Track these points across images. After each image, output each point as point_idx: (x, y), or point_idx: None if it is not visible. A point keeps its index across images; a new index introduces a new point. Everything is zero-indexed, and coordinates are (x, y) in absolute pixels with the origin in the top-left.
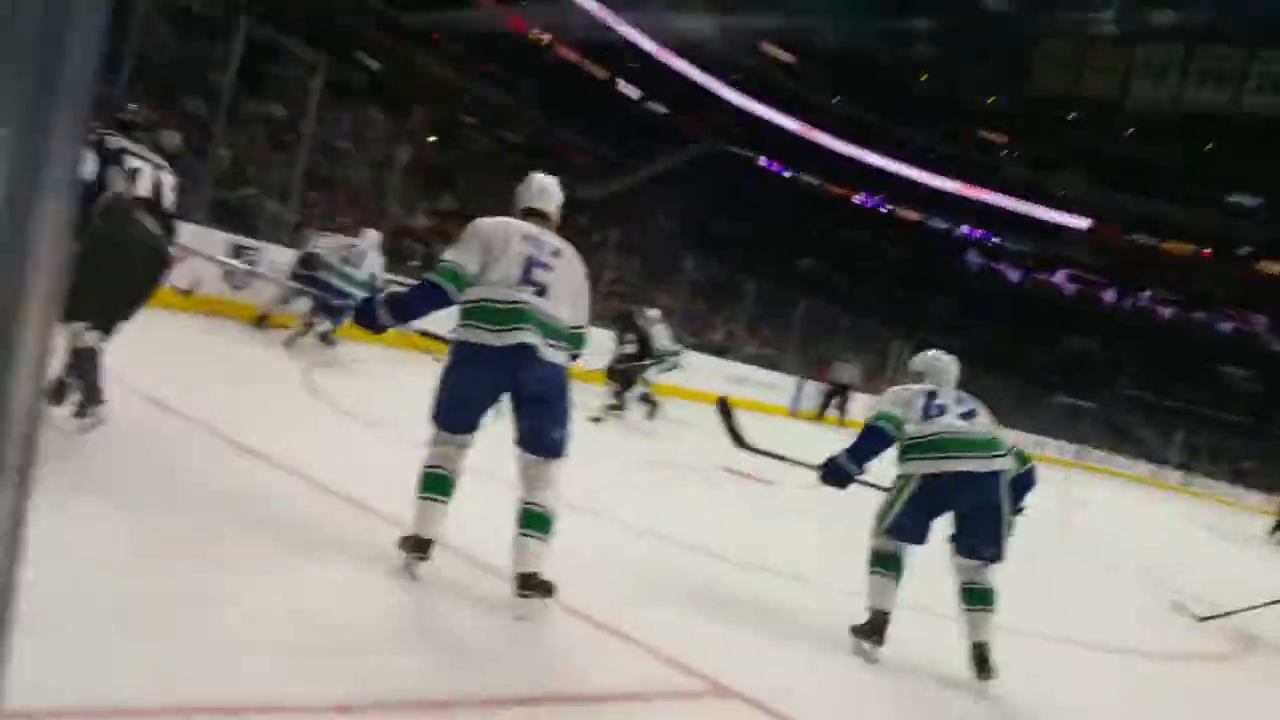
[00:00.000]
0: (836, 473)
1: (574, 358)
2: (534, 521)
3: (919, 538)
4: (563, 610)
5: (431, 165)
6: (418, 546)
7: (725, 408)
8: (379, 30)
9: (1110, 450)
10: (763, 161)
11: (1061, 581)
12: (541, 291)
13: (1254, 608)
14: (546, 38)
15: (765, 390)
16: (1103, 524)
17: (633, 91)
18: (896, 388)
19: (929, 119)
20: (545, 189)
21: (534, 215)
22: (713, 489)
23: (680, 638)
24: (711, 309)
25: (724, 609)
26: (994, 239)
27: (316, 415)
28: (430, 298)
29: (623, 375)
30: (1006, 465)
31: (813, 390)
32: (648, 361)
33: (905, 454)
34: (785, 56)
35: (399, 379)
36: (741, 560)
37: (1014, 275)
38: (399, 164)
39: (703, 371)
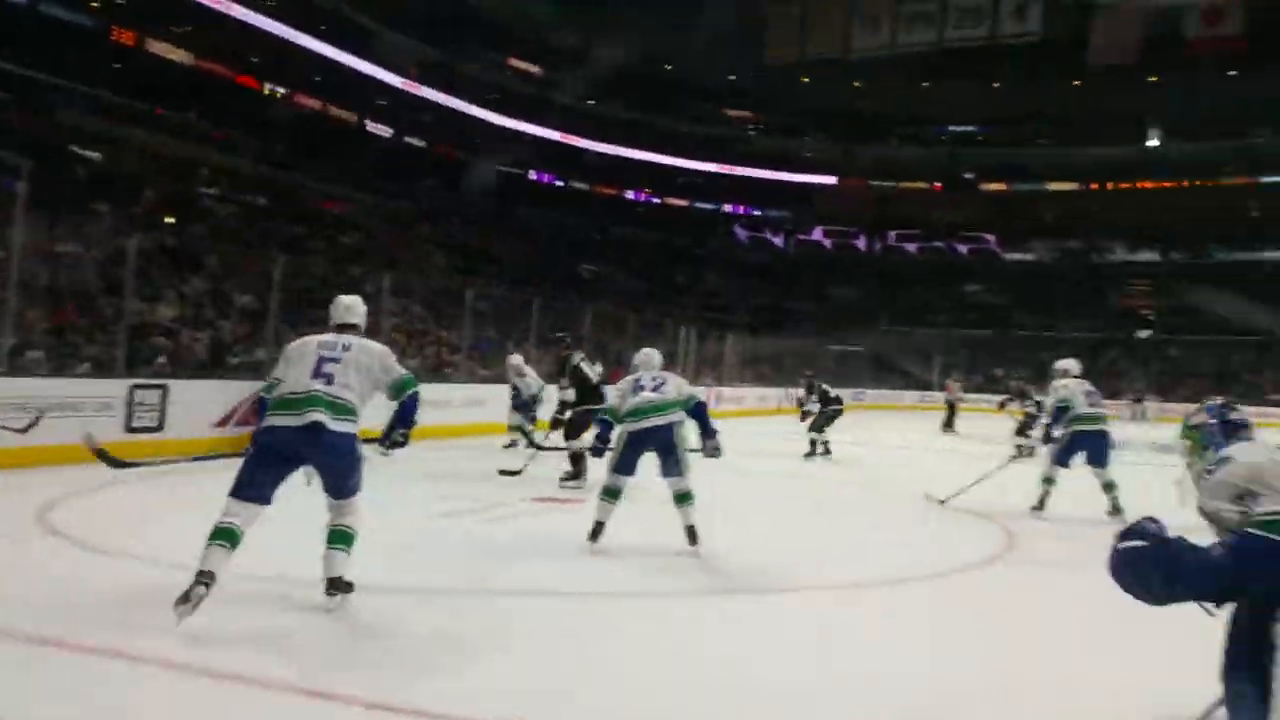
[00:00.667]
0: (598, 450)
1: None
2: (339, 538)
3: (629, 471)
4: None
5: (173, 249)
6: (201, 577)
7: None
8: (94, 117)
9: (882, 386)
10: (533, 175)
11: (842, 523)
12: (329, 380)
13: (969, 486)
14: (281, 90)
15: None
16: (879, 457)
17: (384, 130)
18: (620, 382)
19: (679, 106)
20: (350, 306)
21: (346, 328)
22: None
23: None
24: (501, 335)
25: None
26: (756, 211)
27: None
28: (261, 407)
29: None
30: (679, 418)
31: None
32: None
33: (620, 421)
34: (532, 69)
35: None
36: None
37: (779, 241)
38: (130, 256)
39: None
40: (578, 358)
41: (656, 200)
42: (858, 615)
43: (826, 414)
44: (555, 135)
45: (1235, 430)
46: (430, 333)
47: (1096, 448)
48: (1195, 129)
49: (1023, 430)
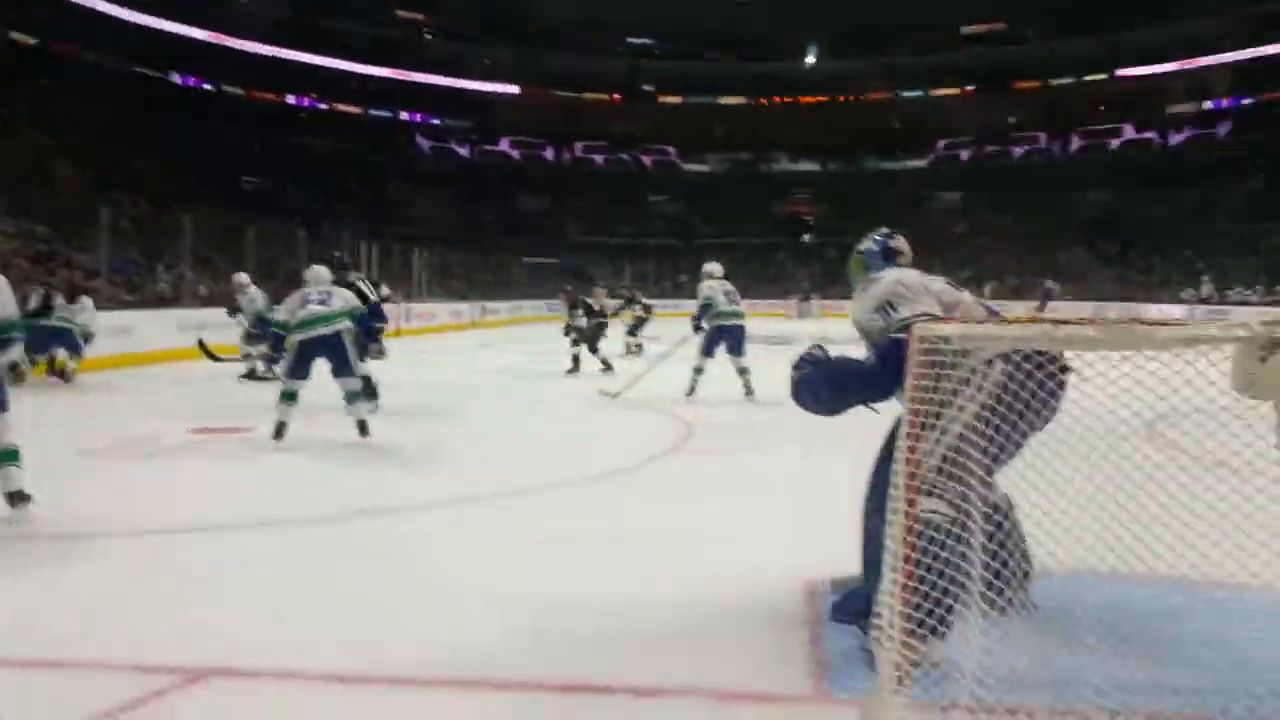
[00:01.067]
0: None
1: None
2: (8, 457)
3: (303, 376)
4: None
5: None
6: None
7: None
8: None
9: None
10: (177, 79)
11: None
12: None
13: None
14: None
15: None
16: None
17: None
18: (289, 298)
19: (342, 4)
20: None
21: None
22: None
23: None
24: (149, 257)
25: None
26: (437, 120)
27: None
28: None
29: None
30: (345, 325)
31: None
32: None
33: (290, 333)
34: None
35: None
36: None
37: (464, 151)
38: None
39: (154, 329)
40: (353, 276)
41: (324, 107)
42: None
43: (592, 327)
44: (201, 34)
45: (893, 256)
46: (60, 255)
47: (735, 339)
48: (845, 46)
49: (633, 331)
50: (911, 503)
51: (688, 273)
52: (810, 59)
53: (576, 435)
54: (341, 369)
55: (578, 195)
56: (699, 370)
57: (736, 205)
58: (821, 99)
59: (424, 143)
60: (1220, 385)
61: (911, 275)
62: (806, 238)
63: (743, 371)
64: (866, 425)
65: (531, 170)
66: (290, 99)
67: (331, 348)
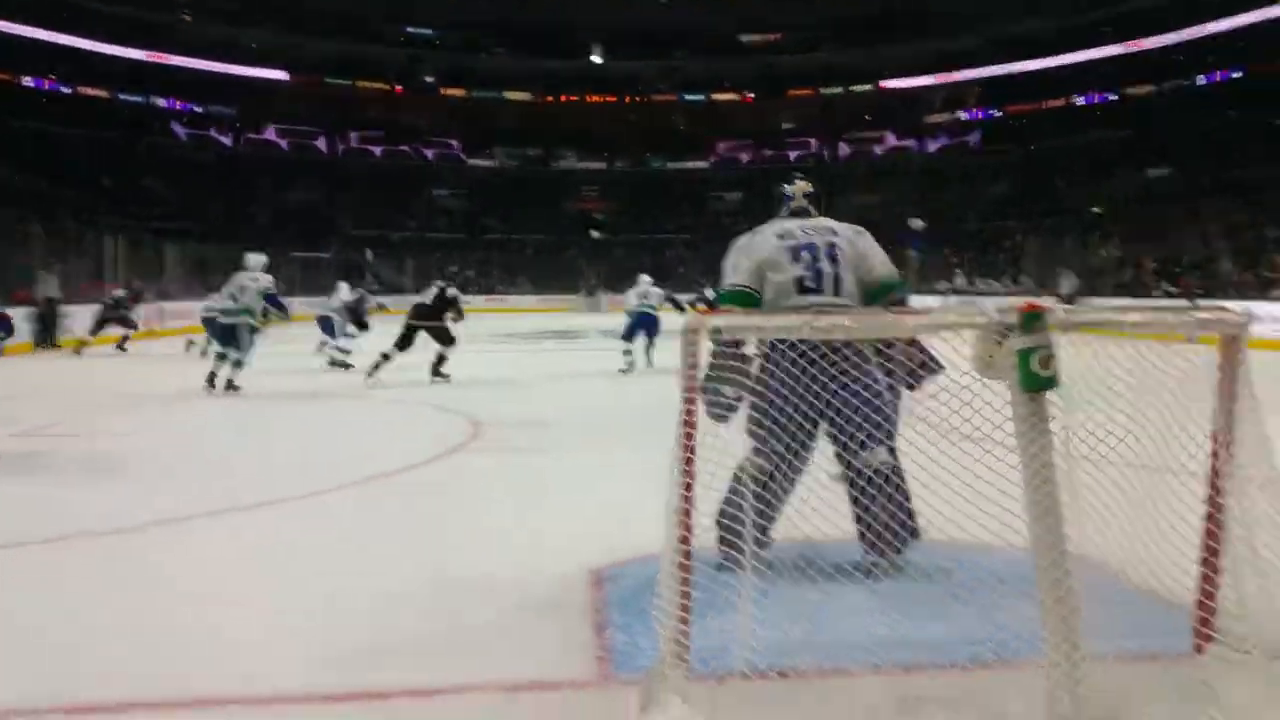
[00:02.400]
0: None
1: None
2: None
3: None
4: None
5: None
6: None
7: None
8: None
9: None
10: None
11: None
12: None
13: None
14: None
15: None
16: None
17: None
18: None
19: None
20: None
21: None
22: None
23: None
24: None
25: None
26: (198, 107)
27: None
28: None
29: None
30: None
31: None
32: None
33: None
34: None
35: None
36: None
37: (226, 140)
38: None
39: None
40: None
41: (67, 90)
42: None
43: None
44: None
45: (784, 203)
46: None
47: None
48: (630, 48)
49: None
50: (688, 488)
51: (473, 268)
52: (596, 58)
53: (359, 433)
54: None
55: (354, 188)
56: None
57: (525, 202)
58: (609, 98)
59: (180, 130)
60: (964, 366)
61: (755, 237)
62: (595, 235)
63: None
64: (648, 419)
65: (303, 161)
66: (28, 81)
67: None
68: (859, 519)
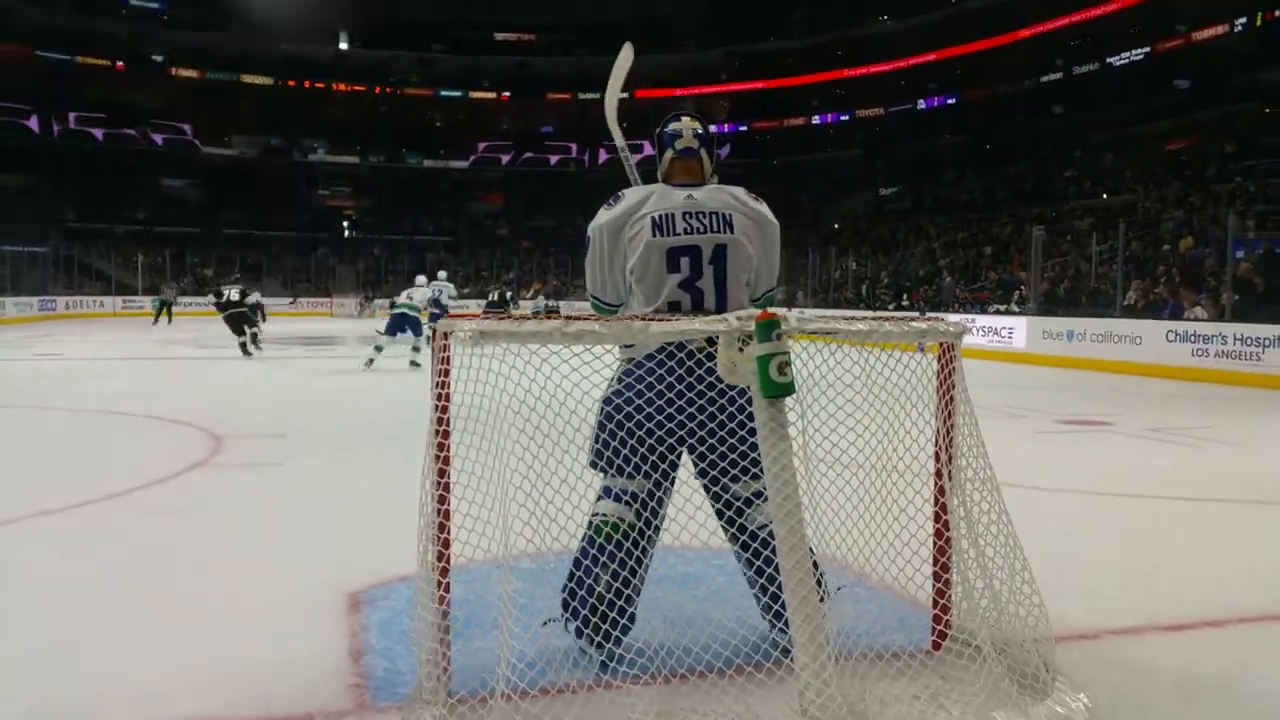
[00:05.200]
0: None
1: None
2: None
3: None
4: None
5: None
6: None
7: None
8: None
9: (74, 291)
10: None
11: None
12: None
13: None
14: None
15: None
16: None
17: None
18: None
19: None
20: None
21: None
22: None
23: None
24: None
25: None
26: None
27: None
28: None
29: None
30: None
31: None
32: None
33: None
34: None
35: None
36: None
37: None
38: None
39: None
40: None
41: None
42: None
43: (232, 317)
44: None
45: (662, 147)
46: None
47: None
48: (380, 36)
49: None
50: (442, 500)
51: (211, 265)
52: (343, 45)
53: (85, 449)
54: None
55: (73, 174)
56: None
57: (269, 195)
58: (357, 88)
59: None
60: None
61: (625, 223)
62: (348, 232)
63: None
64: (408, 427)
65: (9, 142)
66: None
67: None
68: (762, 590)
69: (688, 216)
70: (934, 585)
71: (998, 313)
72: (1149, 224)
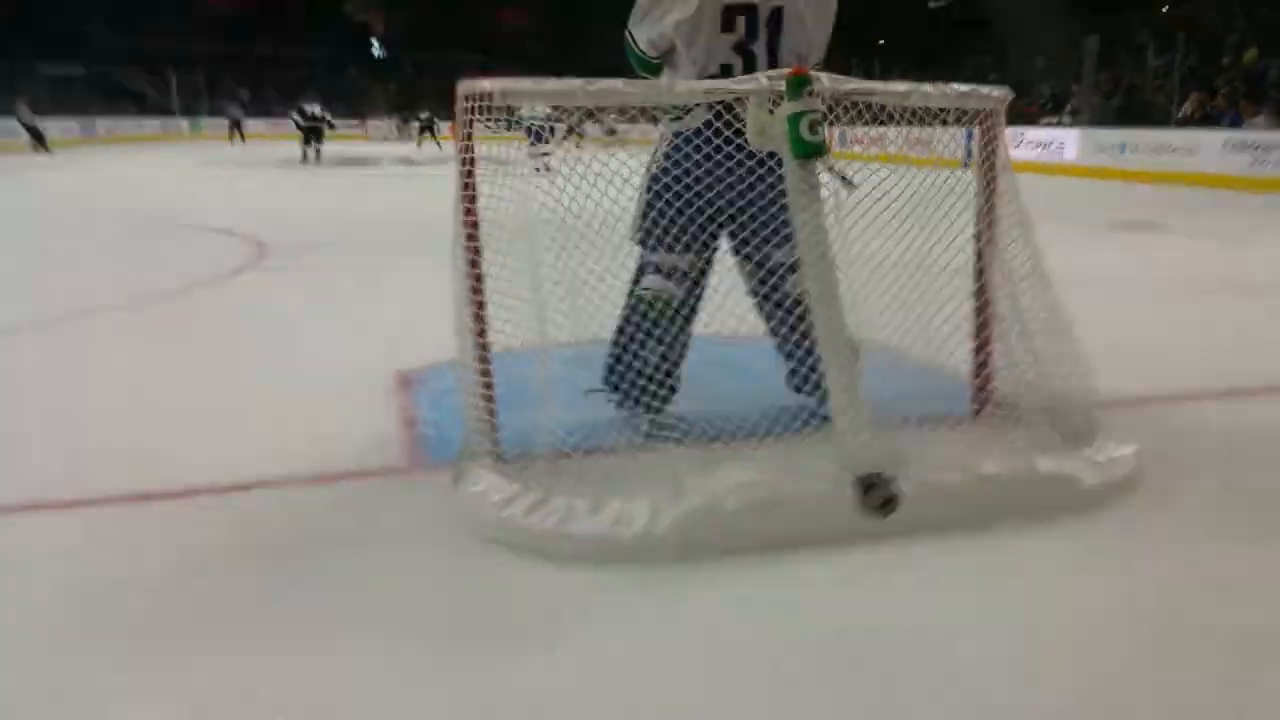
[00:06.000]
0: None
1: None
2: None
3: None
4: None
5: None
6: None
7: None
8: None
9: (113, 113)
10: None
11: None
12: None
13: None
14: None
15: None
16: (135, 189)
17: None
18: None
19: None
20: None
21: None
22: None
23: None
24: None
25: None
26: None
27: None
28: None
29: None
30: None
31: None
32: None
33: None
34: None
35: None
36: None
37: None
38: None
39: None
40: None
41: None
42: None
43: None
44: None
45: None
46: None
47: None
48: None
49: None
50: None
51: (246, 86)
52: None
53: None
54: None
55: None
56: None
57: (296, 13)
58: None
59: None
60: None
61: None
62: (378, 53)
63: None
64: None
65: None
66: None
67: None
68: (800, 362)
69: None
70: (974, 354)
71: (1048, 125)
72: (1210, 38)
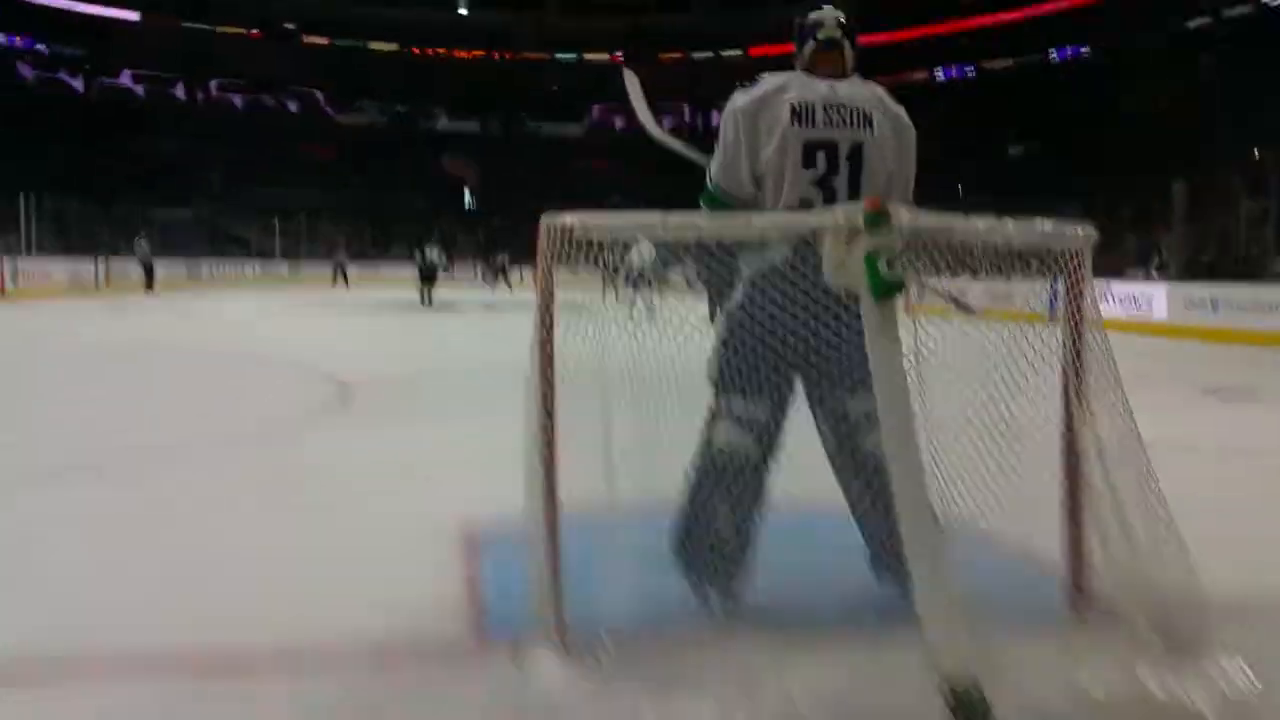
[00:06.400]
0: None
1: None
2: None
3: None
4: None
5: None
6: None
7: None
8: None
9: (218, 255)
10: None
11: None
12: None
13: None
14: None
15: None
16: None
17: None
18: None
19: None
20: None
21: None
22: None
23: None
24: None
25: None
26: (44, 46)
27: None
28: None
29: None
30: None
31: None
32: None
33: None
34: None
35: None
36: None
37: (77, 84)
38: None
39: None
40: None
41: None
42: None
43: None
44: None
45: (803, 40)
46: None
47: None
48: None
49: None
50: (546, 397)
51: (344, 232)
52: (463, 10)
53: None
54: None
55: (215, 139)
56: None
57: (394, 161)
58: (476, 53)
59: (27, 71)
60: None
61: (763, 104)
62: (469, 204)
63: None
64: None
65: (160, 108)
66: None
67: None
68: (869, 531)
69: (828, 109)
70: (1067, 537)
71: (1135, 278)
72: None
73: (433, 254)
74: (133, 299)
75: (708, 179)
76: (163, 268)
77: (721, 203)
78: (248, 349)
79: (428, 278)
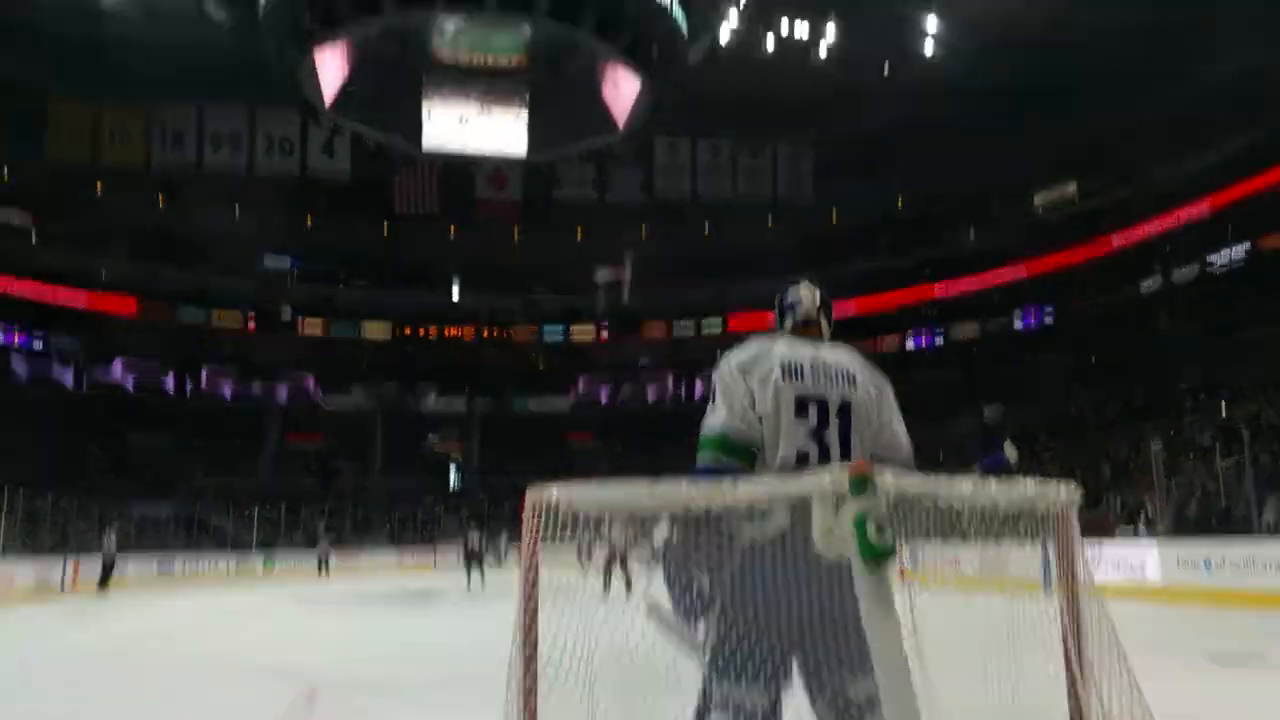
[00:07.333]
0: None
1: None
2: None
3: None
4: None
5: None
6: None
7: None
8: None
9: (193, 549)
10: None
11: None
12: None
13: None
14: None
15: None
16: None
17: None
18: None
19: None
20: None
21: None
22: None
23: None
24: None
25: None
26: (38, 341)
27: None
28: None
29: None
30: None
31: None
32: None
33: None
34: None
35: None
36: None
37: (68, 378)
38: None
39: None
40: None
41: None
42: None
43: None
44: None
45: (784, 314)
46: None
47: None
48: (487, 281)
49: None
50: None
51: (325, 520)
52: (455, 291)
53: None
54: None
55: (202, 430)
56: None
57: (382, 442)
58: (466, 331)
59: (21, 368)
60: None
61: (755, 362)
62: (454, 482)
63: None
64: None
65: (148, 402)
66: None
67: None
68: None
69: (814, 368)
70: None
71: (1124, 535)
72: (1277, 431)
73: (473, 541)
74: (93, 603)
75: (707, 433)
76: (133, 564)
77: (732, 449)
78: (210, 652)
79: (471, 562)
